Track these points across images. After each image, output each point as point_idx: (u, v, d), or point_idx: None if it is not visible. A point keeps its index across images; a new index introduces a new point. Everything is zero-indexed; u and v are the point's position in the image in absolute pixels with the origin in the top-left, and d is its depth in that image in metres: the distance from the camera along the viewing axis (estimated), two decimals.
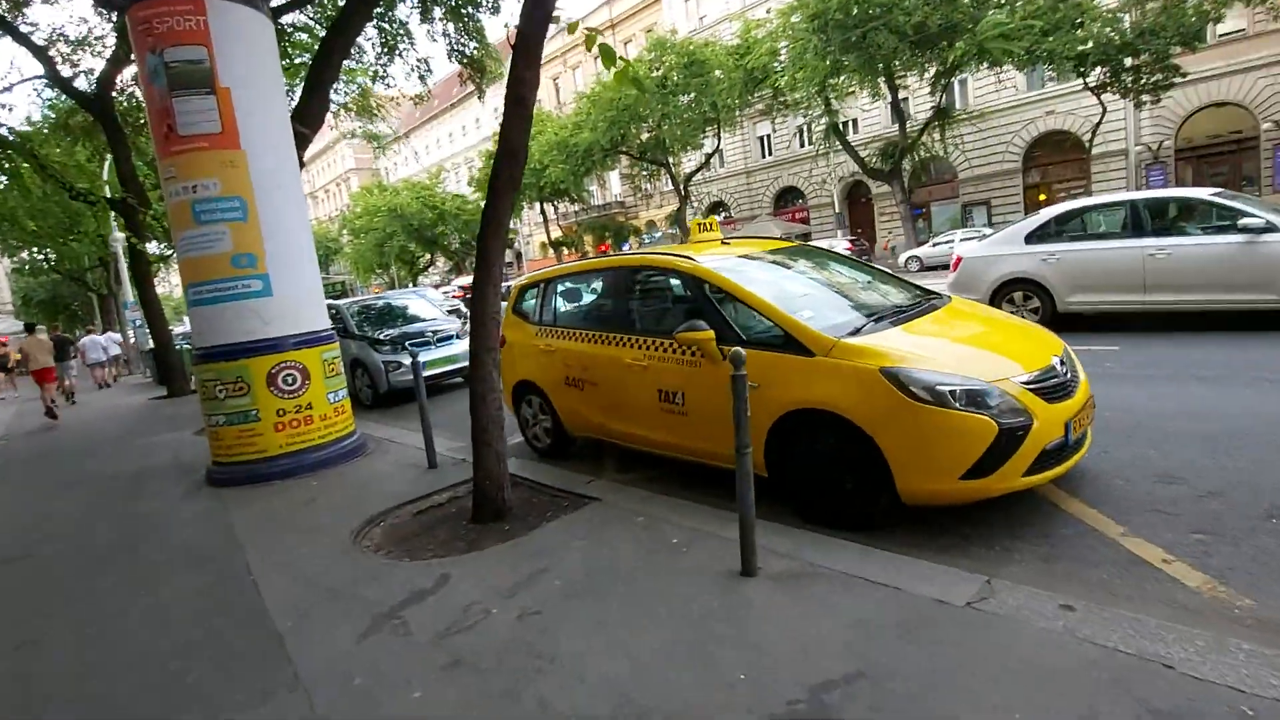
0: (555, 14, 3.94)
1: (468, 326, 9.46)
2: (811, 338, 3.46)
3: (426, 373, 8.57)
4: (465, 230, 44.17)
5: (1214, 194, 6.62)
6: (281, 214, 5.49)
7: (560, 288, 5.43)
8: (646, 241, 41.42)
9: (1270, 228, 6.02)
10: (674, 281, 4.58)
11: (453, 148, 54.34)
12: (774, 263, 4.46)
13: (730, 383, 2.92)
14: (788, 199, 36.55)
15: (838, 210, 30.22)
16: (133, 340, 20.50)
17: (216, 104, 5.14)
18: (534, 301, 5.49)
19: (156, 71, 5.14)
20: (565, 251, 43.15)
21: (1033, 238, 7.39)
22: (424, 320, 9.72)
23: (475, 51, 11.48)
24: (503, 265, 3.89)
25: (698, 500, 3.94)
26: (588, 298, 5.41)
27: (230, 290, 5.28)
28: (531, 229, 49.42)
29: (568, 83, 45.00)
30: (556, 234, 42.24)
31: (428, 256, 48.02)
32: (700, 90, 27.71)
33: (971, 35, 18.96)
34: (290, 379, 5.46)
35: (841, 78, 23.07)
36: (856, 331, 3.54)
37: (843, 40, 20.14)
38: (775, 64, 24.93)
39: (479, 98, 11.68)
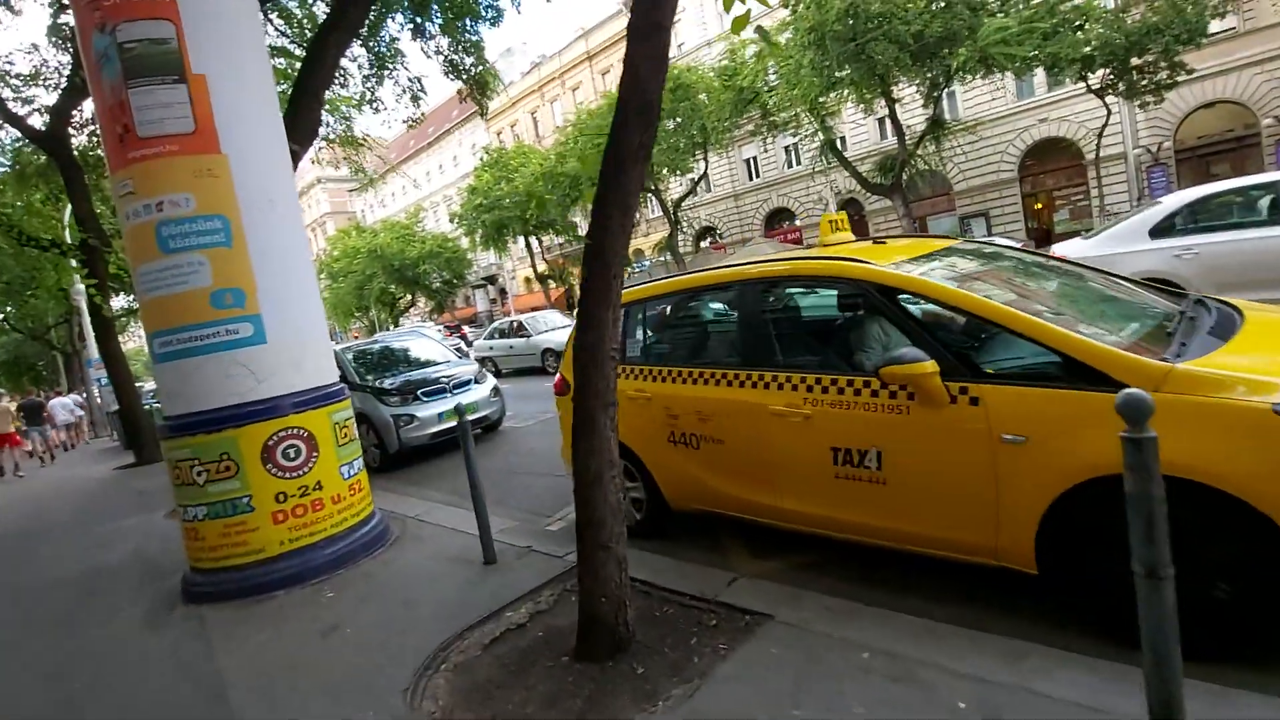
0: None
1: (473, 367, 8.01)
2: (1124, 365, 2.26)
3: (446, 424, 7.26)
4: (447, 268, 42.94)
5: None
6: (276, 237, 4.23)
7: (655, 311, 4.20)
8: (635, 271, 40.50)
9: None
10: (840, 295, 3.37)
11: (430, 187, 53.37)
12: (964, 265, 3.28)
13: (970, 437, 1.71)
14: (778, 220, 36.00)
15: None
16: (99, 400, 18.82)
17: (188, 95, 3.89)
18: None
19: (107, 56, 3.90)
20: (553, 285, 42.05)
21: (1159, 232, 6.36)
22: (434, 364, 8.40)
23: (473, 68, 10.40)
24: (624, 274, 2.65)
25: (901, 604, 2.69)
26: (701, 324, 4.17)
27: (211, 338, 3.98)
28: (515, 264, 48.36)
29: (545, 116, 44.46)
30: (543, 267, 41.14)
31: (409, 297, 46.65)
32: (688, 114, 27.18)
33: (973, 42, 18.45)
34: (293, 451, 4.13)
35: (834, 93, 22.56)
36: (1180, 352, 2.35)
37: (841, 52, 19.53)
38: (765, 82, 24.46)
39: (481, 115, 10.56)
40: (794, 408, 3.11)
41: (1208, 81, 22.80)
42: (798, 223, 34.63)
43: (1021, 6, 19.11)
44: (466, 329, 37.79)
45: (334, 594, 3.86)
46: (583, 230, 42.22)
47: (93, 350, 15.92)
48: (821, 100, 22.63)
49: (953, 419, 2.61)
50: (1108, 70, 19.49)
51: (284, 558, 4.08)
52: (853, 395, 2.91)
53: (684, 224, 34.95)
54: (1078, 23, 18.97)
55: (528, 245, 38.96)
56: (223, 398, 4.01)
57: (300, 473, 4.16)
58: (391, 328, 43.86)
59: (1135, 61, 19.00)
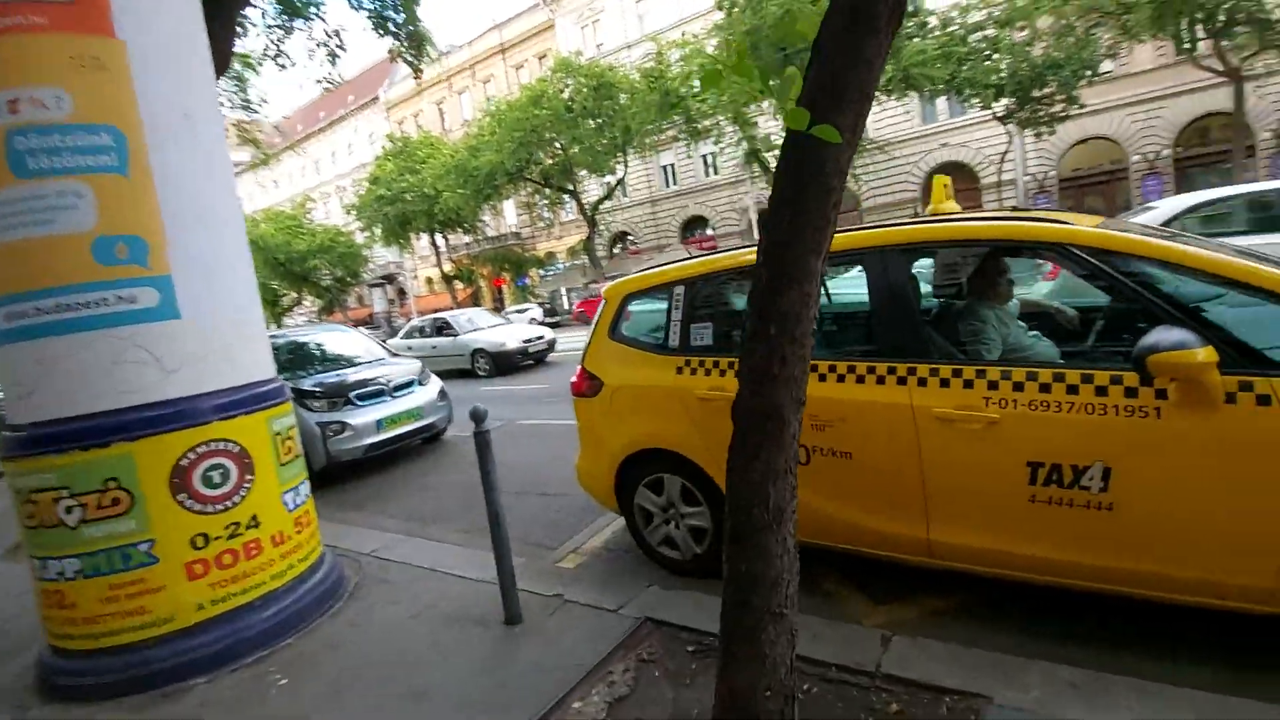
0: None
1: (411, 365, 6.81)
2: None
3: (386, 434, 6.01)
4: (340, 265, 39.64)
5: None
6: (195, 168, 2.98)
7: (729, 288, 3.31)
8: (547, 276, 39.22)
9: None
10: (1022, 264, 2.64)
11: (319, 176, 49.36)
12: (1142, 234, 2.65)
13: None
14: (693, 228, 36.03)
15: (757, 236, 29.69)
16: None
17: None
18: (662, 316, 3.33)
19: None
20: (459, 286, 39.85)
21: None
22: (363, 362, 7.03)
23: (406, 25, 9.08)
24: (830, 236, 1.72)
25: (1110, 662, 1.99)
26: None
27: (93, 308, 2.68)
28: (416, 263, 45.59)
29: (453, 108, 42.32)
30: (449, 267, 38.93)
31: (294, 295, 42.67)
32: (611, 114, 26.51)
33: (896, 61, 19.03)
34: (218, 475, 2.89)
35: (764, 102, 22.71)
36: None
37: (774, 59, 19.55)
38: (690, 86, 24.26)
39: (415, 77, 9.23)
40: (970, 411, 2.35)
41: (1088, 119, 24.95)
42: (710, 230, 34.79)
43: (938, 33, 19.99)
44: (362, 330, 34.86)
45: (287, 680, 2.67)
46: (490, 230, 40.32)
47: None
48: (745, 109, 22.73)
49: (1230, 424, 1.95)
50: (1012, 99, 20.72)
51: (206, 627, 2.83)
52: (1065, 394, 2.19)
53: (600, 228, 34.15)
54: (988, 52, 20.09)
55: (433, 243, 36.66)
56: (111, 397, 2.72)
57: (228, 504, 2.92)
58: (274, 328, 39.84)
59: (1037, 93, 20.31)
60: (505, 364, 12.45)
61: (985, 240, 2.63)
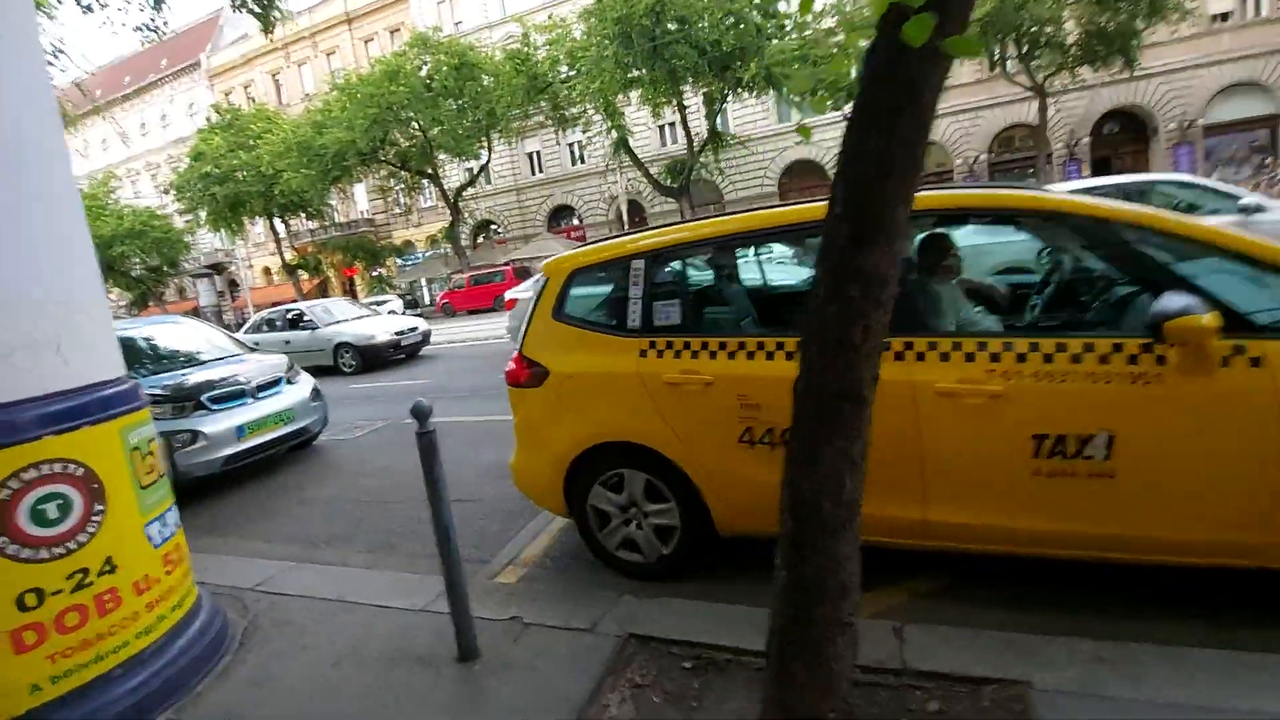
0: None
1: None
2: None
3: (249, 442, 5.15)
4: (155, 252, 34.59)
5: None
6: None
7: (706, 259, 3.03)
8: (405, 266, 36.84)
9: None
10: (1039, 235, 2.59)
11: (126, 151, 42.68)
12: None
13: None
14: (561, 218, 35.52)
15: (627, 227, 29.79)
16: None
17: None
18: (617, 293, 3.00)
19: None
20: (304, 276, 36.26)
21: None
22: (213, 359, 5.96)
23: None
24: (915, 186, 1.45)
25: (1135, 630, 2.01)
26: (786, 275, 3.08)
27: None
28: (250, 251, 40.92)
29: (291, 80, 38.34)
30: (291, 256, 35.32)
31: None
32: (474, 95, 25.27)
33: (760, 59, 19.79)
34: (53, 507, 2.14)
35: (631, 92, 22.73)
36: None
37: (643, 49, 19.55)
38: (560, 71, 23.74)
39: (266, 31, 7.98)
40: (973, 384, 2.26)
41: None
42: (575, 221, 34.48)
43: (795, 36, 21.02)
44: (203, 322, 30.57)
45: None
46: (338, 216, 37.12)
47: None
48: (614, 98, 22.61)
49: (1226, 386, 2.00)
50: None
51: (45, 716, 2.09)
52: (1068, 363, 2.16)
53: (464, 216, 32.57)
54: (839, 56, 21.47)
55: (272, 229, 32.97)
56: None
57: (70, 545, 2.18)
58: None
59: None
60: (374, 359, 11.34)
61: (976, 210, 2.57)
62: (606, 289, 3.09)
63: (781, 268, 3.32)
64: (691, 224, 3.01)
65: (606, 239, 3.26)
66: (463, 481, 4.85)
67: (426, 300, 34.62)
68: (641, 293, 2.91)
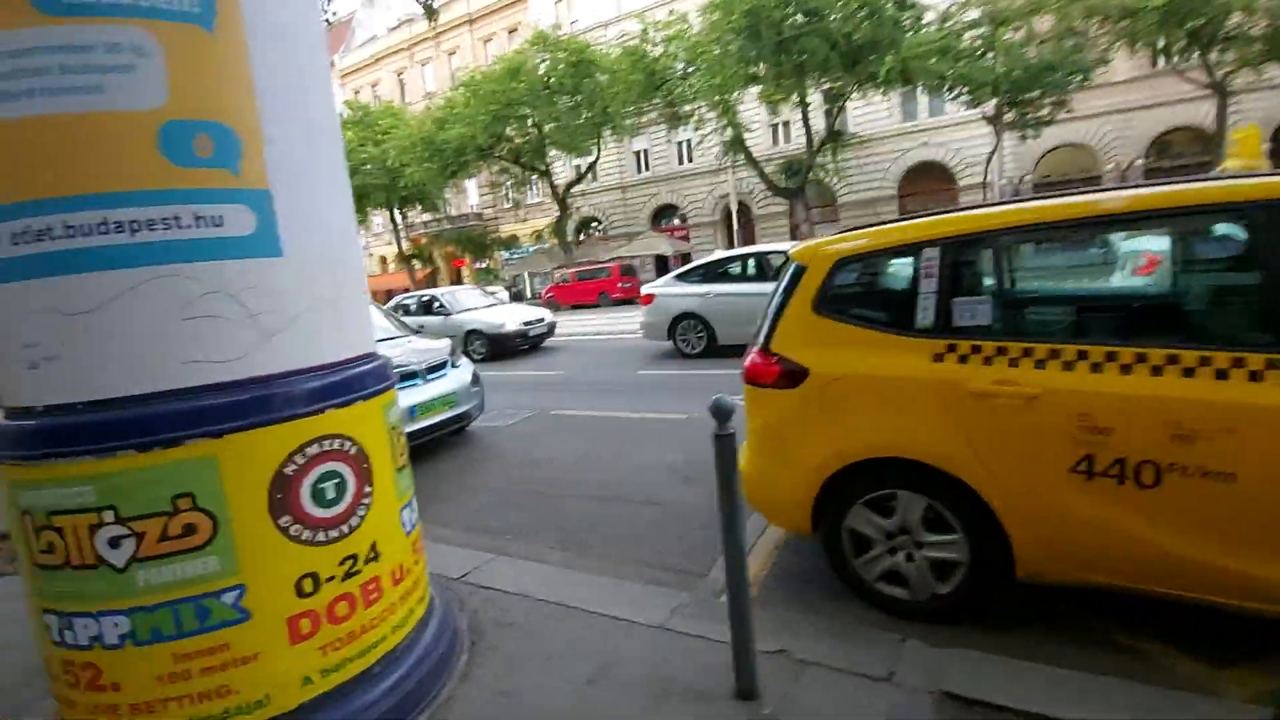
0: None
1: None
2: None
3: (419, 423, 5.08)
4: None
5: None
6: (296, 34, 2.04)
7: (1022, 252, 2.59)
8: (510, 260, 37.76)
9: None
10: None
11: None
12: None
13: None
14: (663, 217, 35.35)
15: (739, 226, 29.25)
16: None
17: None
18: (907, 287, 2.58)
19: None
20: (418, 266, 37.96)
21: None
22: (386, 339, 6.01)
23: None
24: None
25: None
26: (1181, 272, 2.61)
27: (158, 228, 1.73)
28: (370, 240, 43.26)
29: (414, 79, 40.22)
30: (407, 246, 37.04)
31: None
32: (589, 93, 25.46)
33: (896, 52, 18.72)
34: (331, 487, 1.98)
35: (755, 87, 22.19)
36: None
37: (772, 42, 18.94)
38: (676, 68, 23.51)
39: (428, 18, 8.10)
40: None
41: (1064, 126, 25.44)
42: (676, 220, 34.17)
43: (934, 29, 19.77)
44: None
45: None
46: (451, 209, 38.57)
47: None
48: (728, 98, 22.10)
49: None
50: (1003, 99, 20.78)
51: (313, 711, 1.93)
52: None
53: (569, 212, 33.03)
54: (982, 51, 20.07)
55: (392, 220, 34.70)
56: (181, 368, 1.78)
57: (344, 529, 2.02)
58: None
59: (1031, 95, 20.41)
60: (502, 347, 11.44)
61: None
62: (886, 280, 2.69)
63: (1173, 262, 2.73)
64: (1008, 207, 2.55)
65: (882, 222, 2.86)
66: (637, 483, 4.58)
67: (529, 294, 35.35)
68: (936, 286, 2.48)
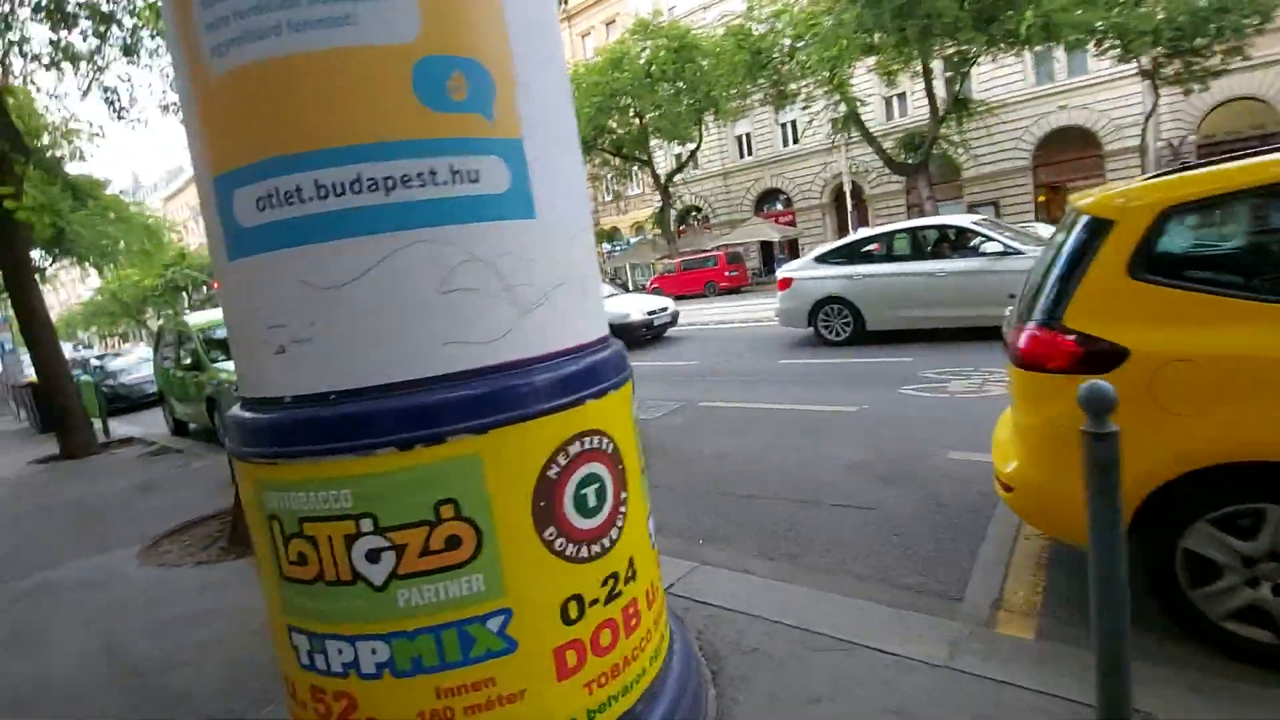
0: None
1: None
2: None
3: None
4: None
5: None
6: None
7: None
8: (613, 252, 37.92)
9: None
10: None
11: None
12: None
13: None
14: (767, 202, 34.23)
15: (851, 208, 27.80)
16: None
17: None
18: (1260, 241, 1.95)
19: None
20: None
21: None
22: None
23: None
24: None
25: None
26: None
27: (413, 185, 1.45)
28: None
29: None
30: None
31: None
32: (691, 78, 24.90)
33: (1036, 5, 16.88)
34: (592, 492, 1.67)
35: (870, 57, 20.83)
36: None
37: (896, 7, 17.61)
38: (784, 44, 22.44)
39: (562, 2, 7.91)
40: None
41: (1235, 77, 22.19)
42: (779, 206, 32.95)
43: None
44: None
45: None
46: None
47: None
48: (846, 68, 20.87)
49: None
50: (1168, 50, 18.33)
51: None
52: None
53: (671, 201, 32.65)
54: None
55: None
56: (443, 352, 1.50)
57: (606, 542, 1.70)
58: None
59: (1199, 42, 17.88)
60: (626, 337, 11.19)
61: None
62: (1247, 232, 2.07)
63: None
64: None
65: (1222, 161, 2.24)
66: (826, 482, 4.10)
67: (632, 286, 35.36)
68: None
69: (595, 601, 1.67)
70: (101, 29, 10.01)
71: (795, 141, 31.93)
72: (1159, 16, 17.40)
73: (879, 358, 7.44)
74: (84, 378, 10.27)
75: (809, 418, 5.53)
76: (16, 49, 10.41)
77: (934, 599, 2.70)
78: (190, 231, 48.36)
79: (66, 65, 10.42)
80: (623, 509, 1.76)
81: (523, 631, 1.55)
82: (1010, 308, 3.04)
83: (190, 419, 9.09)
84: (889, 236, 8.58)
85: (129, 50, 10.35)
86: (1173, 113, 23.34)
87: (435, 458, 1.47)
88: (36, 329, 8.31)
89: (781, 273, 9.14)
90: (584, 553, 1.65)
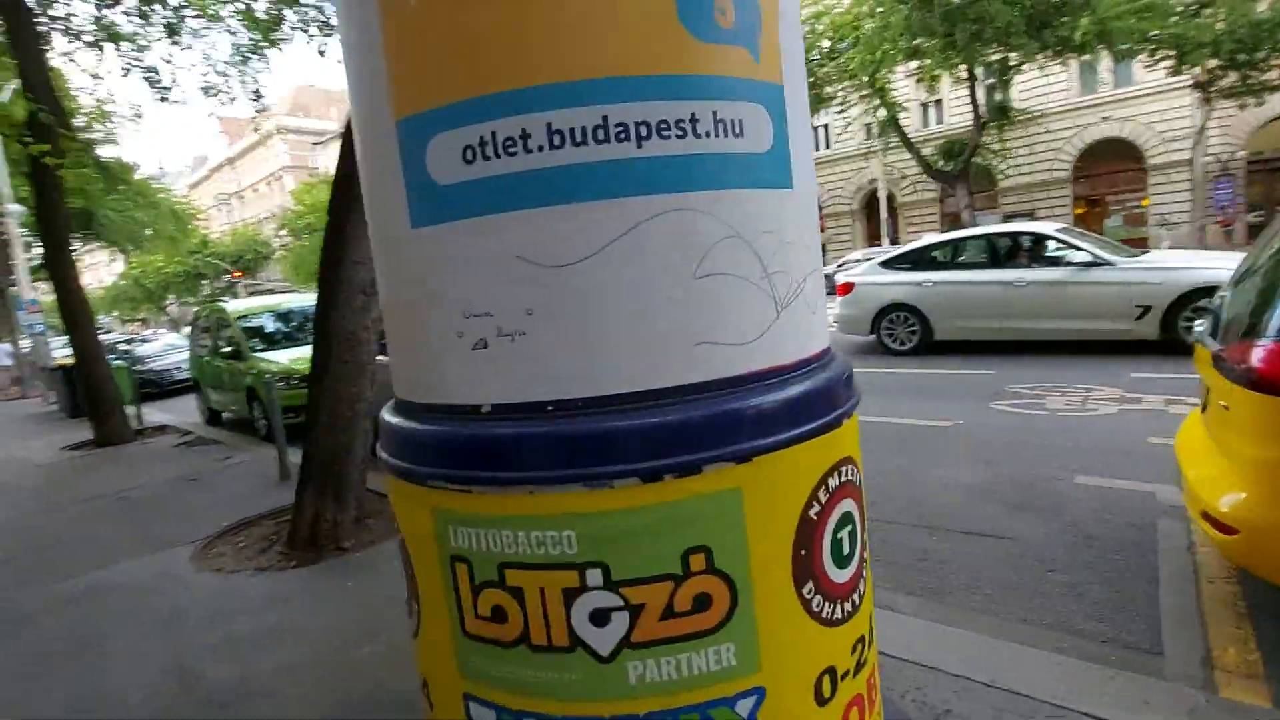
0: None
1: None
2: None
3: None
4: None
5: None
6: None
7: None
8: None
9: None
10: None
11: None
12: None
13: None
14: None
15: (885, 216, 27.34)
16: (25, 348, 15.04)
17: None
18: None
19: None
20: None
21: None
22: None
23: None
24: None
25: None
26: None
27: (670, 134, 1.12)
28: None
29: None
30: None
31: None
32: None
33: (1091, 12, 16.38)
34: (846, 535, 1.32)
35: (914, 62, 20.38)
36: None
37: (946, 10, 17.18)
38: (822, 46, 22.04)
39: None
40: None
41: None
42: (823, 210, 32.48)
43: None
44: None
45: None
46: None
47: (23, 284, 12.14)
48: (888, 72, 20.48)
49: None
50: (1225, 63, 17.75)
51: None
52: None
53: None
54: (1197, 7, 17.21)
55: None
56: (693, 355, 1.16)
57: (855, 598, 1.35)
58: None
59: (1259, 54, 17.29)
60: None
61: None
62: None
63: None
64: None
65: None
66: (948, 506, 3.73)
67: None
68: None
69: (846, 674, 1.32)
70: (145, 8, 9.83)
71: (827, 146, 31.50)
72: (1219, 27, 16.85)
73: (954, 369, 7.04)
74: (117, 362, 10.07)
75: (900, 432, 5.15)
76: (62, 26, 10.25)
77: (1128, 652, 2.32)
78: (212, 219, 48.63)
79: (108, 45, 10.27)
80: (865, 555, 1.42)
81: (775, 717, 1.20)
82: (1199, 322, 2.66)
83: (225, 408, 8.86)
84: (960, 243, 8.18)
85: (172, 30, 10.16)
86: (1220, 128, 22.70)
87: (687, 493, 1.12)
88: (74, 310, 8.09)
89: (843, 278, 8.76)
90: (837, 613, 1.30)
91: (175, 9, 9.76)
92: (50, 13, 9.67)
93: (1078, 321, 6.87)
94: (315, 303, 4.18)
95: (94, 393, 8.24)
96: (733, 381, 1.19)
